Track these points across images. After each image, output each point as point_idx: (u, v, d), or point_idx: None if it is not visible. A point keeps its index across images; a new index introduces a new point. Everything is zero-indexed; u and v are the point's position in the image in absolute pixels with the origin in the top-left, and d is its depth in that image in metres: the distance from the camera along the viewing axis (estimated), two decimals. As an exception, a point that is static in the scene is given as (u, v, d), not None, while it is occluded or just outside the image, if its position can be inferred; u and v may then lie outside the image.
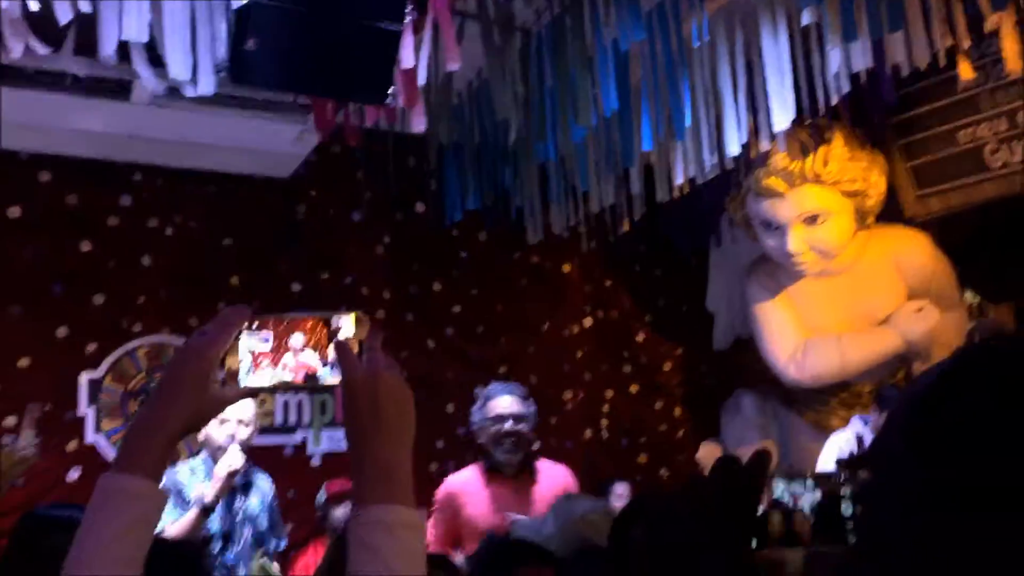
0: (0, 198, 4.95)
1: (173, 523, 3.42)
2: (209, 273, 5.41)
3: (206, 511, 3.48)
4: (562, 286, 6.47)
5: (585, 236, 5.75)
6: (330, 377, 1.08)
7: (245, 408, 3.71)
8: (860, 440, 4.18)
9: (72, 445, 4.94)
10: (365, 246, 5.86)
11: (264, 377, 1.08)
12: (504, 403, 3.75)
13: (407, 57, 3.85)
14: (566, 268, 6.47)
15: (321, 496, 4.87)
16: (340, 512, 4.81)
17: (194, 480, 3.63)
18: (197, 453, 3.82)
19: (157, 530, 2.97)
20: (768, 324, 5.92)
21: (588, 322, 6.54)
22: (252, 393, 1.10)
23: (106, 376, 5.10)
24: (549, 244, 6.10)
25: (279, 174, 5.41)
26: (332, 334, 1.08)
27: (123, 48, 3.46)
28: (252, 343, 1.08)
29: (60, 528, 2.43)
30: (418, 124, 4.40)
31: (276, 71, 3.67)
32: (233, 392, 1.06)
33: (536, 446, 4.15)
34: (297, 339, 1.09)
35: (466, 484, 3.79)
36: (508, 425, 3.70)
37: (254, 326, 1.08)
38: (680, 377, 6.80)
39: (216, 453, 3.63)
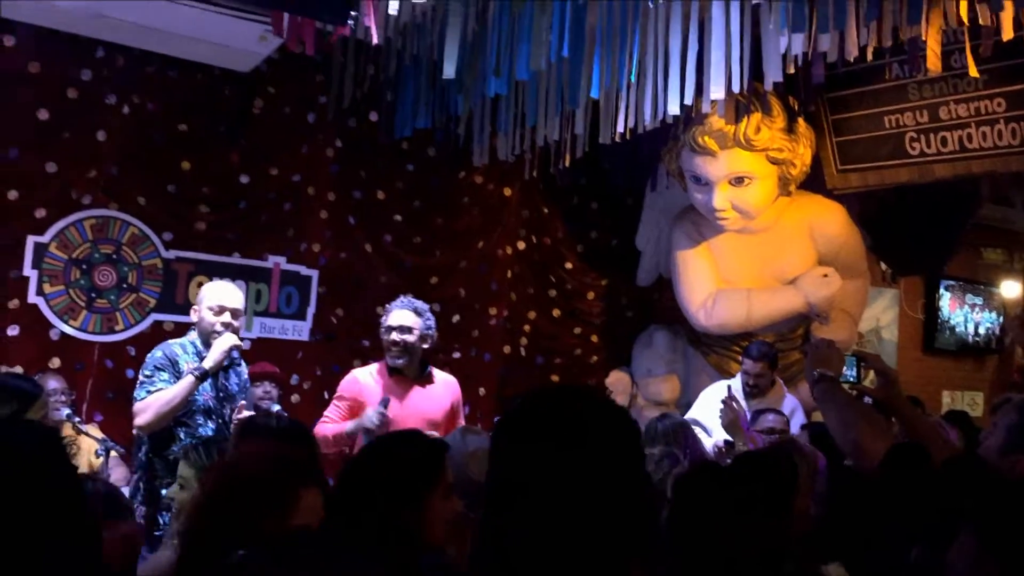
0: (-38, 58, 5.02)
1: (168, 389, 3.79)
2: (161, 155, 5.54)
3: (202, 378, 3.87)
4: (500, 208, 6.70)
5: (528, 164, 6.01)
6: None
7: (238, 297, 4.11)
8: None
9: (14, 303, 5.15)
10: (316, 147, 6.00)
11: None
12: (396, 317, 4.31)
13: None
14: (507, 192, 6.70)
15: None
16: (259, 390, 5.17)
17: (185, 357, 3.95)
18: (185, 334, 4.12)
19: (158, 395, 3.44)
20: (686, 270, 6.29)
21: (521, 245, 6.81)
22: None
23: (52, 242, 5.24)
24: (493, 167, 6.37)
25: (240, 68, 5.52)
26: None
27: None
28: None
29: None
30: (375, 36, 4.60)
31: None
32: None
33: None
34: None
35: (369, 376, 4.37)
36: (394, 335, 4.27)
37: None
38: (601, 307, 7.15)
39: (209, 336, 3.98)
